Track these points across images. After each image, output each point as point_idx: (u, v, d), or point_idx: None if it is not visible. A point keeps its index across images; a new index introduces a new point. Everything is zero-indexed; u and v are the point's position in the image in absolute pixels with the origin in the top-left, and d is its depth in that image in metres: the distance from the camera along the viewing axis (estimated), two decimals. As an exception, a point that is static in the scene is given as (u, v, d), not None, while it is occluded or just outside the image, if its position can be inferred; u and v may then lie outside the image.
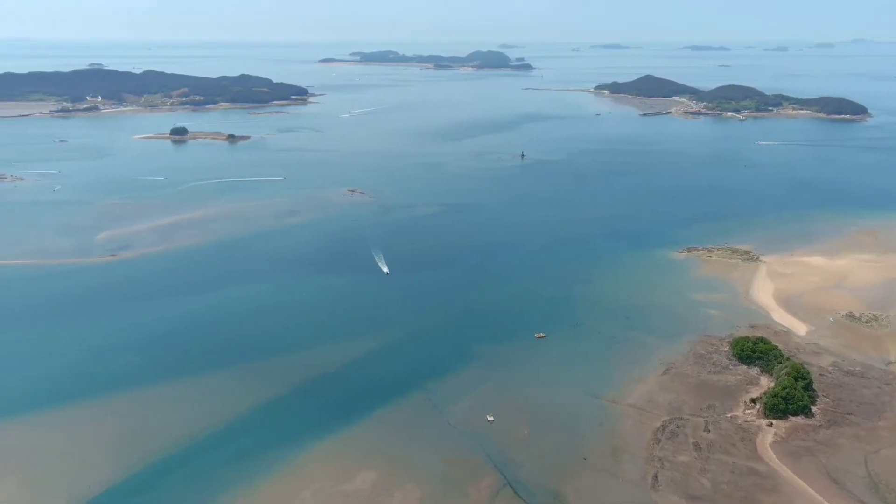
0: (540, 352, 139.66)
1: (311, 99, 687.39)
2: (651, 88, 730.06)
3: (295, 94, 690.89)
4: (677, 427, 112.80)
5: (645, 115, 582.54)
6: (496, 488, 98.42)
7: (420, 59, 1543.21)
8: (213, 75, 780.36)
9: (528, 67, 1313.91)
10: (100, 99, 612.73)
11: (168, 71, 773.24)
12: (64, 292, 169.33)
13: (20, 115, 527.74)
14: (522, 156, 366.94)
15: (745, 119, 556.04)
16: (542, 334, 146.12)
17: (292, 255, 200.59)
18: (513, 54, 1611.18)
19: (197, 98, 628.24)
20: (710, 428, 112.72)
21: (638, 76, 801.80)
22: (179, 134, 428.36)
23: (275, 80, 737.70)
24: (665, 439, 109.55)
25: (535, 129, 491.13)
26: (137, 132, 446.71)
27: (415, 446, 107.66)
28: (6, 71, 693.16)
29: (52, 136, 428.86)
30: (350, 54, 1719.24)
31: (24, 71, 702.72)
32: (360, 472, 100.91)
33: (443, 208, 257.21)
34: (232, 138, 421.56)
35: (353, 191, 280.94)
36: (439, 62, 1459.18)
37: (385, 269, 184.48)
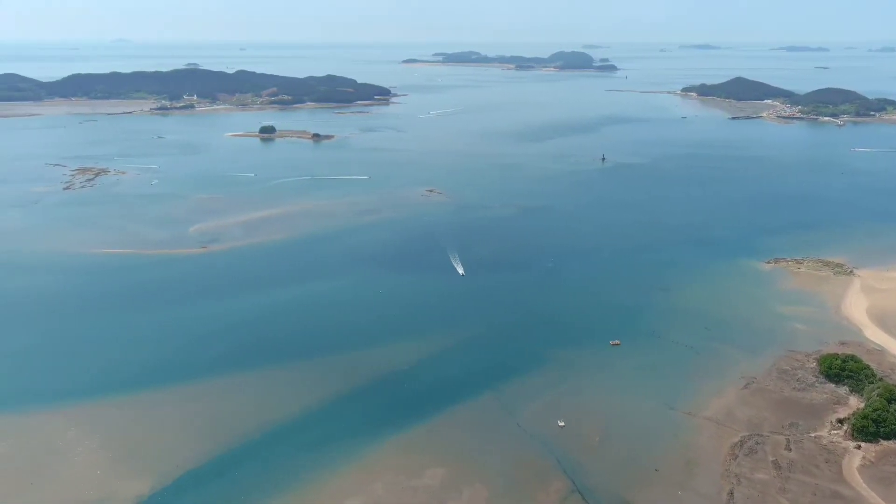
0: (614, 359, 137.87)
1: (393, 99, 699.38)
2: (742, 91, 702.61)
3: (378, 94, 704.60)
4: (756, 444, 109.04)
5: (734, 118, 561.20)
6: (564, 493, 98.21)
7: (502, 60, 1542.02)
8: (301, 75, 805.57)
9: (612, 68, 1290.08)
10: (195, 97, 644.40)
11: (259, 71, 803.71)
12: (159, 281, 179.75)
13: (124, 112, 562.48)
14: (603, 159, 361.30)
15: (844, 124, 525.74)
16: (616, 341, 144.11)
17: (370, 252, 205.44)
18: (597, 55, 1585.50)
19: (285, 97, 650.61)
20: (791, 447, 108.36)
21: (728, 78, 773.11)
22: (268, 132, 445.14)
23: (359, 81, 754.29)
24: (743, 455, 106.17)
25: (617, 131, 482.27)
26: (229, 130, 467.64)
27: (484, 446, 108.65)
28: (113, 71, 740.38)
29: (151, 132, 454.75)
30: (433, 55, 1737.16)
31: (129, 71, 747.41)
32: (430, 468, 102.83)
33: (519, 210, 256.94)
34: (317, 137, 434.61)
35: (430, 190, 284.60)
36: (521, 63, 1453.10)
37: (460, 270, 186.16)
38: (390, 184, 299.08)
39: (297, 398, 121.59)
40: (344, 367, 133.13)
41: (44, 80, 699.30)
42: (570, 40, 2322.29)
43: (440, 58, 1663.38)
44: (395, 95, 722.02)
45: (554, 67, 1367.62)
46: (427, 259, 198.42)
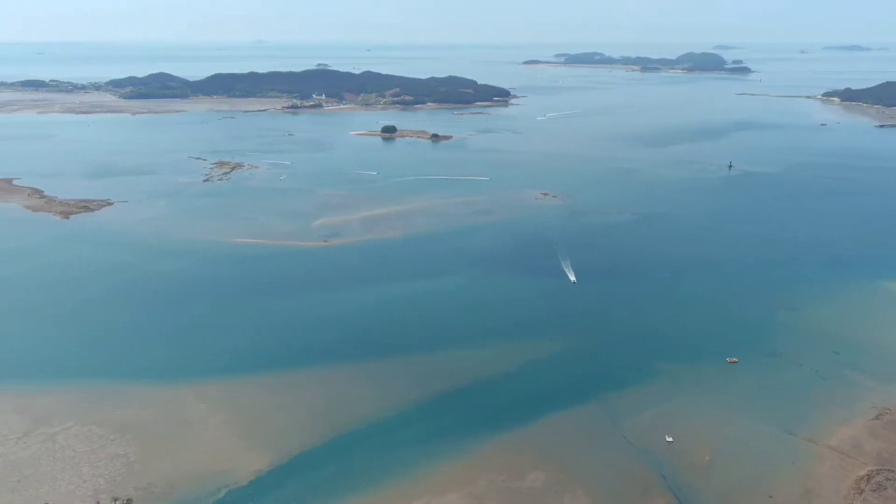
0: (730, 378, 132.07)
1: (512, 100, 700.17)
2: (893, 96, 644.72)
3: (497, 95, 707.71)
4: (886, 479, 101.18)
5: (882, 126, 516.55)
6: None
7: (626, 61, 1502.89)
8: (424, 76, 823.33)
9: (746, 70, 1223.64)
10: (323, 97, 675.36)
11: (384, 72, 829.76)
12: (284, 271, 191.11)
13: (259, 110, 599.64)
14: (730, 166, 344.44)
15: None
16: (734, 359, 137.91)
17: (482, 253, 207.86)
18: (729, 56, 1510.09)
19: (407, 98, 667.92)
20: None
21: (878, 82, 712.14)
22: (389, 132, 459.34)
23: (479, 82, 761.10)
24: (869, 490, 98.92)
25: (747, 138, 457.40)
26: (353, 129, 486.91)
27: (587, 454, 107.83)
28: (251, 71, 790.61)
29: (282, 129, 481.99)
30: (554, 56, 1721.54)
31: (265, 71, 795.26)
32: (532, 471, 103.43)
33: (636, 217, 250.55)
34: (435, 137, 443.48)
35: (545, 194, 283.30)
36: (646, 64, 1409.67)
37: (572, 277, 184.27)
38: (504, 185, 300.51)
39: (407, 391, 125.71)
40: (451, 365, 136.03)
41: (190, 79, 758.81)
42: (700, 41, 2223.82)
43: (562, 59, 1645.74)
44: (515, 97, 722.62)
45: (681, 69, 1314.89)
46: (538, 263, 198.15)
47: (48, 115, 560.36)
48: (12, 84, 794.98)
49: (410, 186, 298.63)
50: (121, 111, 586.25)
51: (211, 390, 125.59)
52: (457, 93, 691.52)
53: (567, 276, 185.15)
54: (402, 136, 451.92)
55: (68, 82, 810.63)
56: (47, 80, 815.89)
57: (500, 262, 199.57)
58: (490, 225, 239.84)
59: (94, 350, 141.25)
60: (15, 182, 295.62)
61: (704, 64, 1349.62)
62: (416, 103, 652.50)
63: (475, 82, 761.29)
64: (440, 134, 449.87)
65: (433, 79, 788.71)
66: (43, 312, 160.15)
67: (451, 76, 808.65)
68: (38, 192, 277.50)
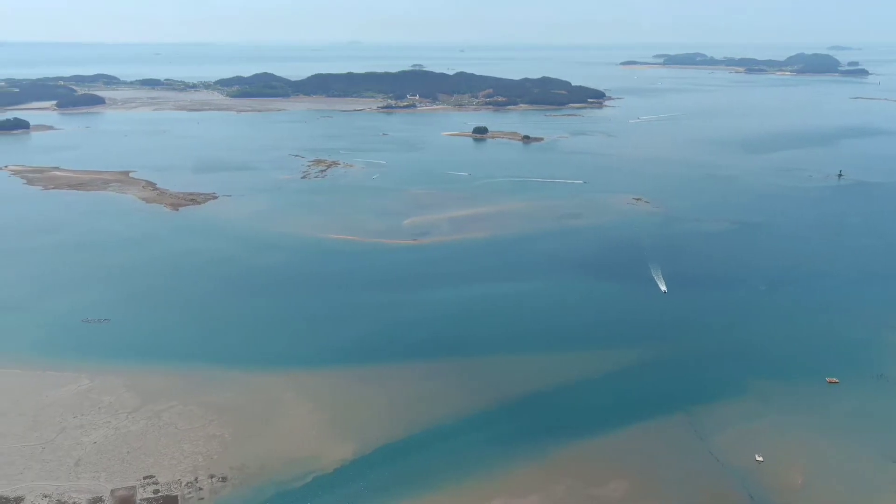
0: (830, 398, 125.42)
1: (607, 102, 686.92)
2: None
3: (591, 97, 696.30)
4: None
5: None
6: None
7: (730, 63, 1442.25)
8: (517, 77, 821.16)
9: (863, 73, 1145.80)
10: (417, 97, 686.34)
11: (477, 73, 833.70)
12: (373, 267, 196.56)
13: (355, 110, 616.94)
14: (840, 175, 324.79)
15: None
16: (834, 379, 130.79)
17: (569, 256, 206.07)
18: (844, 57, 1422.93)
19: (500, 99, 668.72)
20: None
21: None
22: (480, 132, 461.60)
23: (573, 83, 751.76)
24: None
25: (860, 145, 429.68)
26: (445, 129, 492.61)
27: (671, 468, 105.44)
28: (348, 71, 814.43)
29: (377, 129, 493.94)
30: (654, 57, 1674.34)
31: (362, 71, 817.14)
32: (613, 480, 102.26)
33: (734, 226, 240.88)
34: (526, 139, 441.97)
35: (637, 199, 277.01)
36: (752, 65, 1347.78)
37: (662, 287, 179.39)
38: (595, 189, 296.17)
39: (488, 391, 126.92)
40: (534, 368, 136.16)
41: (292, 79, 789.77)
42: (812, 41, 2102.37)
43: (661, 60, 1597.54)
44: (610, 98, 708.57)
45: (790, 71, 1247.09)
46: (627, 270, 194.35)
47: (162, 112, 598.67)
48: (131, 83, 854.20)
49: (500, 188, 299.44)
50: (227, 109, 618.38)
51: (301, 379, 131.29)
52: (550, 94, 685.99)
53: (657, 285, 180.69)
54: (493, 137, 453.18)
55: (181, 81, 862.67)
56: (162, 80, 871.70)
57: (587, 268, 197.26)
58: (579, 229, 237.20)
59: (198, 335, 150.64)
60: (132, 175, 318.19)
61: (816, 66, 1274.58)
62: (509, 104, 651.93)
63: (569, 83, 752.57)
64: (531, 135, 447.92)
65: (526, 80, 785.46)
66: (153, 298, 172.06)
67: (544, 77, 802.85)
68: (151, 185, 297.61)
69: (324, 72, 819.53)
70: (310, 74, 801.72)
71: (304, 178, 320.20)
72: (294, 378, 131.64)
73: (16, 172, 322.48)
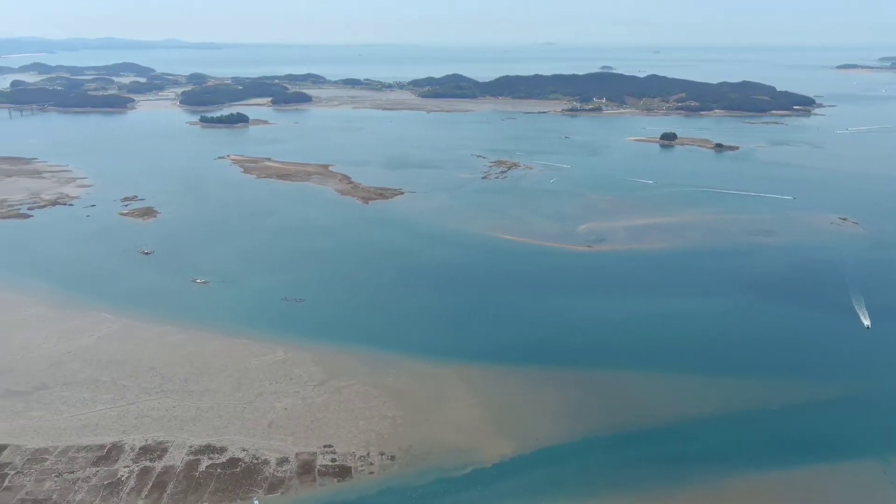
0: None
1: (815, 110, 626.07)
2: None
3: (798, 103, 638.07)
4: None
5: None
6: None
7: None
8: (714, 80, 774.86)
9: None
10: (604, 100, 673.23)
11: (670, 75, 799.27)
12: (545, 271, 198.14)
13: (539, 112, 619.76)
14: None
15: None
16: None
17: (756, 277, 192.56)
18: None
19: (692, 103, 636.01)
20: None
21: None
22: (668, 139, 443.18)
23: (778, 88, 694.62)
24: None
25: None
26: (630, 134, 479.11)
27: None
28: (536, 73, 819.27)
29: (559, 131, 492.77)
30: (878, 60, 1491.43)
31: (549, 73, 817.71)
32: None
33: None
34: (719, 147, 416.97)
35: (843, 219, 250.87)
36: None
37: (865, 320, 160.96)
38: (794, 205, 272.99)
39: (657, 408, 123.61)
40: (705, 389, 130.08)
41: (480, 80, 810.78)
42: None
43: (888, 63, 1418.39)
44: (820, 106, 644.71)
45: None
46: (823, 298, 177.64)
47: (360, 110, 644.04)
48: (335, 82, 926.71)
49: (685, 197, 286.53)
50: (418, 109, 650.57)
51: (470, 372, 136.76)
52: (749, 99, 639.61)
53: (859, 318, 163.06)
54: (682, 144, 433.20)
55: (378, 81, 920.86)
56: (362, 80, 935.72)
57: (774, 291, 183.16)
58: (770, 247, 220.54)
59: (378, 321, 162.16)
60: (331, 168, 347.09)
61: None
62: (702, 109, 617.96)
63: (773, 88, 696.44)
64: (725, 143, 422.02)
65: (724, 84, 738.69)
66: (341, 283, 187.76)
67: (744, 81, 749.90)
68: (347, 179, 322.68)
69: (512, 73, 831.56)
70: (497, 76, 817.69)
71: (484, 178, 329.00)
72: (462, 371, 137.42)
73: (236, 161, 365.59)
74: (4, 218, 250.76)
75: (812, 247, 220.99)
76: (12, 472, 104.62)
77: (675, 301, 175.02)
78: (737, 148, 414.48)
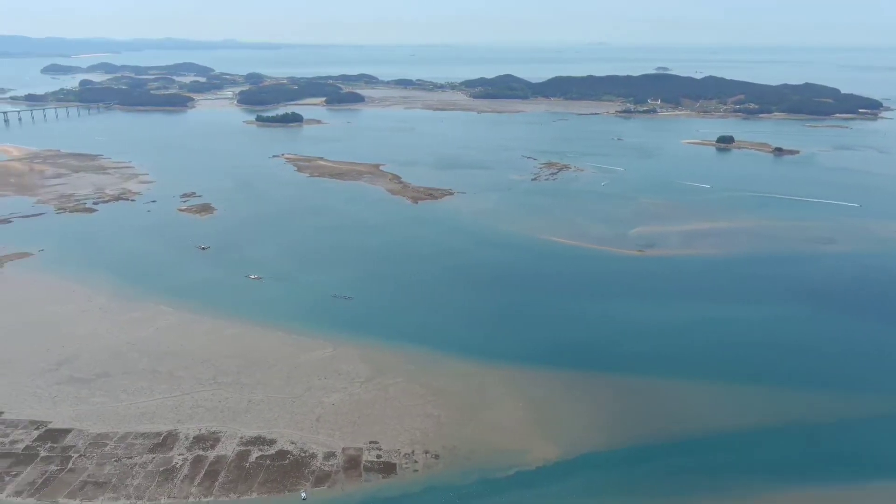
0: None
1: (883, 113, 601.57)
2: None
3: (864, 106, 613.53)
4: None
5: None
6: None
7: None
8: (775, 82, 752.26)
9: None
10: (659, 102, 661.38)
11: (728, 77, 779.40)
12: (594, 275, 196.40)
13: (592, 113, 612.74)
14: None
15: None
16: None
17: (814, 286, 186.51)
18: None
19: (751, 106, 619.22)
20: None
21: None
22: (725, 142, 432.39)
23: (843, 91, 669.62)
24: None
25: None
26: (685, 136, 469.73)
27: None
28: (589, 74, 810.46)
29: (612, 133, 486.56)
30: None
31: (602, 74, 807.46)
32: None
33: None
34: (778, 151, 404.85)
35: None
36: None
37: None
38: (858, 213, 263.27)
39: (709, 417, 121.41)
40: (760, 399, 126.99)
41: (532, 81, 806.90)
42: None
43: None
44: (888, 109, 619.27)
45: None
46: (884, 310, 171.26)
47: (411, 110, 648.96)
48: (387, 82, 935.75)
49: (741, 203, 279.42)
50: (469, 109, 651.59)
51: (515, 374, 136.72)
52: (812, 102, 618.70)
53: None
54: (740, 148, 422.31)
55: (430, 82, 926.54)
56: (414, 80, 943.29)
57: (833, 301, 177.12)
58: (830, 256, 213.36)
59: (424, 320, 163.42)
60: (382, 168, 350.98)
61: None
62: (761, 112, 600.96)
63: (837, 91, 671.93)
64: (784, 147, 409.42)
65: (785, 86, 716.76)
66: (389, 281, 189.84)
67: (807, 83, 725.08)
68: (397, 178, 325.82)
69: (564, 74, 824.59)
70: (550, 76, 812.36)
71: (534, 179, 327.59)
72: (507, 372, 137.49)
73: (290, 160, 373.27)
74: (73, 212, 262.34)
75: (876, 256, 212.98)
76: (76, 455, 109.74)
77: (726, 308, 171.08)
78: (797, 152, 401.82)
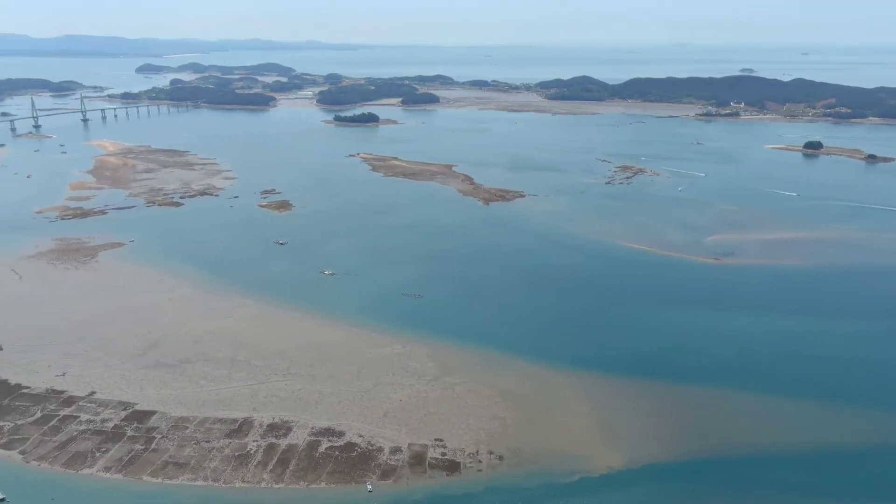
0: None
1: None
2: None
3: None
4: None
5: None
6: None
7: None
8: (870, 85, 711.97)
9: None
10: (742, 105, 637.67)
11: (818, 79, 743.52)
12: (668, 282, 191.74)
13: (670, 116, 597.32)
14: None
15: None
16: None
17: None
18: None
19: (842, 110, 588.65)
20: None
21: None
22: (813, 148, 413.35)
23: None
24: None
25: None
26: (769, 141, 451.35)
27: None
28: (669, 76, 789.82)
29: (691, 137, 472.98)
30: None
31: (684, 76, 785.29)
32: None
33: None
34: (871, 158, 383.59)
35: None
36: None
37: None
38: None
39: (782, 434, 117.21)
40: (839, 418, 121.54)
41: (609, 83, 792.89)
42: None
43: None
44: None
45: None
46: None
47: (486, 111, 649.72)
48: (462, 83, 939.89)
49: (829, 212, 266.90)
50: (543, 111, 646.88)
51: (581, 380, 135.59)
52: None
53: None
54: (828, 154, 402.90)
55: (505, 83, 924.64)
56: (489, 81, 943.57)
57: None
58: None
59: (492, 321, 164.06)
60: (454, 168, 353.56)
61: None
62: (854, 116, 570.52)
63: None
64: (879, 154, 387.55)
65: (881, 89, 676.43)
66: (458, 281, 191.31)
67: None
68: (469, 179, 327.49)
69: (643, 76, 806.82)
70: (627, 78, 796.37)
71: (608, 183, 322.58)
72: (574, 377, 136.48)
73: (365, 160, 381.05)
74: (161, 205, 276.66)
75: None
76: (159, 437, 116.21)
77: (806, 321, 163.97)
78: (892, 160, 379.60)
